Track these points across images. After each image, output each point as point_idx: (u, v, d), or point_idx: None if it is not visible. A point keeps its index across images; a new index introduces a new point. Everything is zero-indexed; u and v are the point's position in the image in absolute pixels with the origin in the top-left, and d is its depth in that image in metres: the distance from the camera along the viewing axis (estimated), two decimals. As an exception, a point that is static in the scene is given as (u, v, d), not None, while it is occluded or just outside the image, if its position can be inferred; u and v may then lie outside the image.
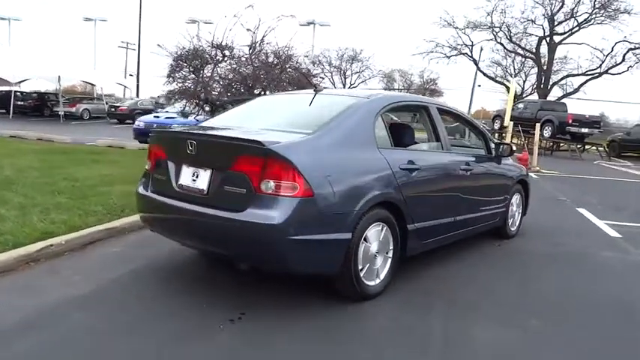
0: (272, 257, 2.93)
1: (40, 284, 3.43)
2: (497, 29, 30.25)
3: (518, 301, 3.64)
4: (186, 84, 10.47)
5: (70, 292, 3.30)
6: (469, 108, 33.04)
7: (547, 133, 20.13)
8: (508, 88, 34.31)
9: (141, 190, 3.67)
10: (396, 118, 6.81)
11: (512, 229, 5.46)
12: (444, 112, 4.50)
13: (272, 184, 2.86)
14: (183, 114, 11.55)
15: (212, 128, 3.72)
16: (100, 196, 5.75)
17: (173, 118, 12.73)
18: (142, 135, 13.06)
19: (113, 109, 26.55)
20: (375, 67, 44.97)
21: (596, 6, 28.20)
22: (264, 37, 10.13)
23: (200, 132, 3.45)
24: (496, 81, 34.00)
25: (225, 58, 10.33)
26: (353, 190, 3.13)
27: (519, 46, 31.20)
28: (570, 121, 19.89)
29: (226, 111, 4.40)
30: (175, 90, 10.55)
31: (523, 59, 33.74)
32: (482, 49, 31.88)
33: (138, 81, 38.03)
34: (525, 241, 5.44)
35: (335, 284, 3.27)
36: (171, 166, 3.40)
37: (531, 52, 31.01)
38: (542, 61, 30.34)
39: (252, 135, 3.14)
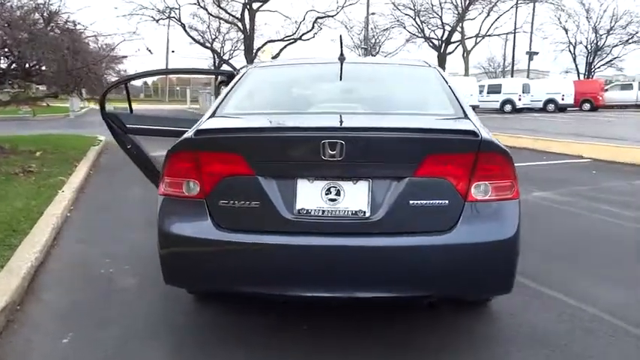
0: (497, 282, 2.19)
1: None
2: (200, -7, 29.78)
3: (582, 254, 3.84)
4: None
5: None
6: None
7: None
8: (217, 53, 34.86)
9: (190, 232, 2.16)
10: None
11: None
12: None
13: (489, 186, 2.12)
14: None
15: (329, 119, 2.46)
16: None
17: None
18: None
19: None
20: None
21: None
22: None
23: (346, 125, 2.21)
24: (205, 46, 33.85)
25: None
26: None
27: (225, 11, 31.63)
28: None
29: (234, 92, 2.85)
30: None
31: (219, 24, 34.42)
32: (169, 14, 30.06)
33: None
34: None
35: None
36: (269, 184, 2.11)
37: (237, 18, 31.88)
38: (247, 27, 31.63)
39: (440, 124, 2.20)
